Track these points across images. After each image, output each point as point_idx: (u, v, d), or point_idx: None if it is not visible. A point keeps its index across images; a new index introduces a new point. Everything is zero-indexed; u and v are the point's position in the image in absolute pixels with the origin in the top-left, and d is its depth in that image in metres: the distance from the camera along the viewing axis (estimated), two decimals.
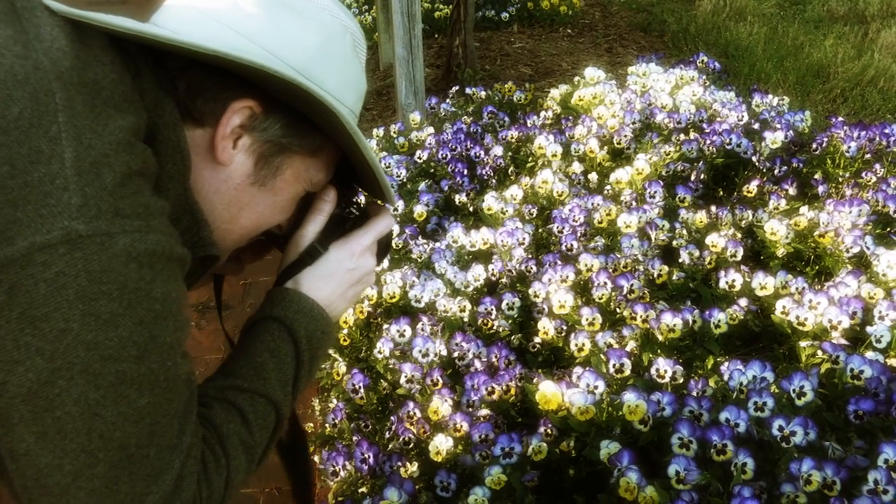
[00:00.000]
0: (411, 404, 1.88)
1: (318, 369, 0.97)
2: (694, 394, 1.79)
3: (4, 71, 0.63)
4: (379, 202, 1.02)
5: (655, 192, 2.53)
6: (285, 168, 0.86)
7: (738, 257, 2.28)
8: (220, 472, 0.78)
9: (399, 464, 1.79)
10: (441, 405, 1.83)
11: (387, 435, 1.92)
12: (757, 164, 2.76)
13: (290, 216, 0.93)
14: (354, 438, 1.94)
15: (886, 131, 2.80)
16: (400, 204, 2.64)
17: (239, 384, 0.84)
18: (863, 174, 2.64)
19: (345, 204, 0.97)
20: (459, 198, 2.76)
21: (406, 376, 1.95)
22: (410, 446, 1.83)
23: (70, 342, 0.63)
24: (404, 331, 2.06)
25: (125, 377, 0.67)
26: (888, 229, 2.39)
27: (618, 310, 2.10)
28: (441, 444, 1.75)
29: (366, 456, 1.79)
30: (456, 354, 2.00)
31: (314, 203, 0.94)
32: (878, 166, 2.68)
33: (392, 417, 1.92)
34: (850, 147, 2.73)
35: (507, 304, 2.15)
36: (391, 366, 2.03)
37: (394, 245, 2.49)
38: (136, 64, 0.74)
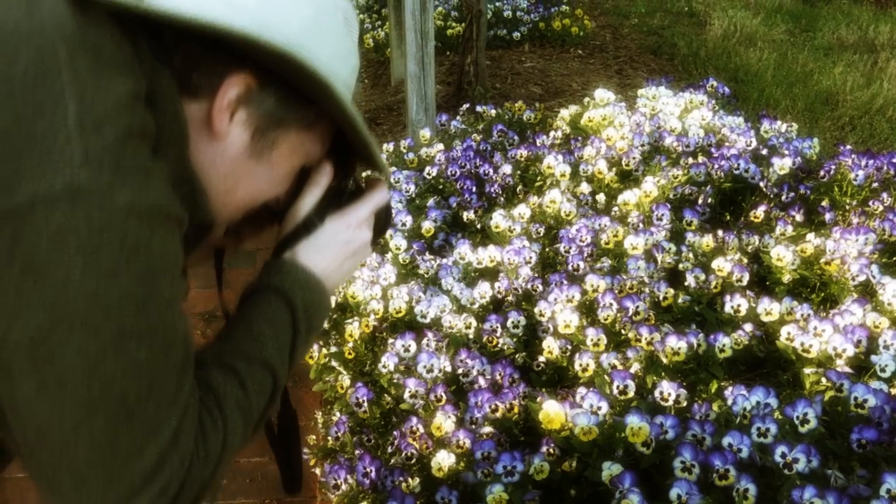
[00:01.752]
0: (414, 419, 1.88)
1: (313, 340, 0.97)
2: (697, 418, 1.80)
3: (10, 29, 0.64)
4: (375, 176, 1.02)
5: (662, 214, 2.54)
6: (281, 142, 0.86)
7: (744, 282, 2.29)
8: (217, 432, 0.78)
9: (401, 479, 1.79)
10: (444, 421, 1.83)
11: (389, 449, 1.93)
12: (764, 189, 2.78)
13: (288, 190, 0.93)
14: (357, 452, 1.94)
15: (894, 160, 2.81)
16: (408, 219, 2.66)
17: (237, 349, 0.85)
18: (870, 203, 2.65)
19: (342, 178, 0.97)
20: (467, 215, 2.78)
21: (410, 391, 1.95)
22: (412, 461, 1.83)
23: (71, 294, 0.64)
24: (409, 346, 2.07)
25: (125, 330, 0.67)
26: (894, 258, 2.40)
27: (623, 331, 2.10)
28: (443, 461, 1.76)
29: (368, 470, 1.80)
30: (460, 371, 2.01)
31: (311, 176, 0.95)
32: (885, 195, 2.68)
33: (395, 432, 1.93)
34: (857, 175, 2.75)
35: (513, 322, 2.16)
36: (395, 380, 2.04)
37: (401, 261, 2.50)
38: (133, 34, 0.74)
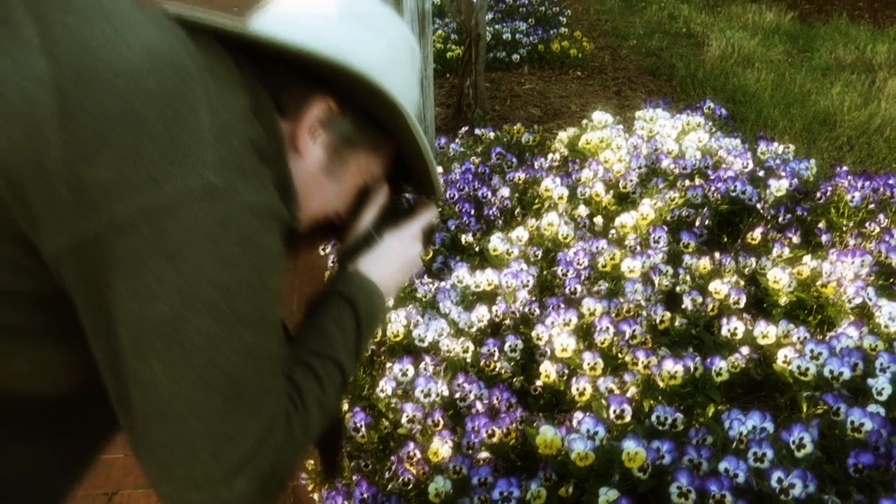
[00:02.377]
0: (412, 444, 1.88)
1: (371, 339, 1.12)
2: (694, 442, 1.80)
3: (156, 51, 0.74)
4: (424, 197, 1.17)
5: (660, 237, 2.56)
6: (351, 161, 0.97)
7: (741, 305, 2.30)
8: (300, 421, 0.86)
9: None
10: (441, 447, 1.83)
11: (386, 475, 1.92)
12: (761, 211, 2.79)
13: (349, 207, 1.05)
14: (354, 477, 1.94)
15: (891, 182, 2.82)
16: None
17: (312, 348, 0.95)
18: (866, 224, 2.66)
19: (396, 196, 1.10)
20: (466, 238, 2.79)
21: (407, 416, 1.96)
22: (409, 487, 1.83)
23: (202, 280, 0.72)
24: (407, 370, 2.08)
25: (241, 315, 0.75)
26: (891, 280, 2.40)
27: (619, 355, 2.11)
28: (440, 486, 1.76)
29: (365, 496, 1.80)
30: (458, 395, 2.01)
31: (370, 195, 1.06)
32: (882, 217, 2.70)
33: (392, 457, 1.93)
34: (854, 197, 2.76)
35: (510, 346, 2.17)
36: (393, 405, 2.04)
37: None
38: (236, 57, 0.86)
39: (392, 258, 1.08)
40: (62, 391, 0.86)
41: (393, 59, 0.95)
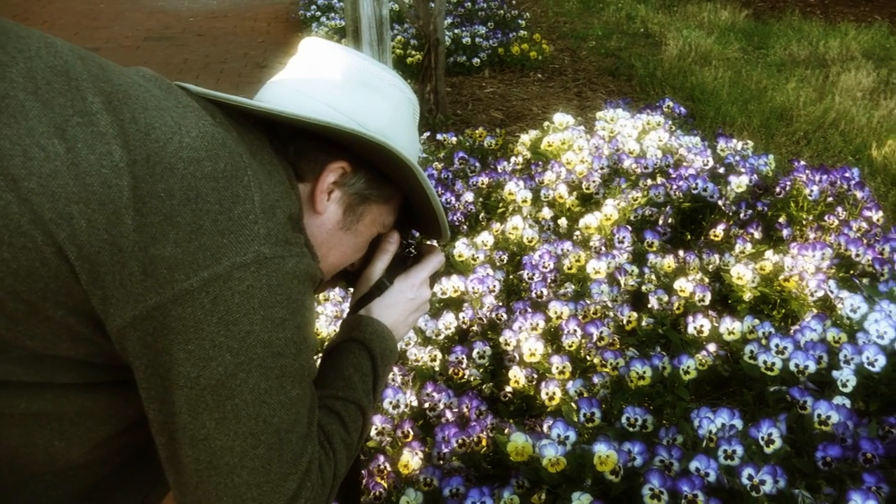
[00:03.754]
0: (381, 458, 1.85)
1: (387, 379, 1.19)
2: (664, 442, 1.79)
3: (210, 135, 0.83)
4: (430, 242, 1.25)
5: (624, 237, 2.56)
6: (366, 215, 1.04)
7: (706, 302, 2.31)
8: (330, 463, 0.92)
9: None
10: (411, 459, 1.81)
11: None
12: (723, 207, 2.81)
13: (362, 255, 1.12)
14: None
15: (847, 175, 2.86)
16: None
17: (334, 393, 1.01)
18: (825, 217, 2.70)
19: (405, 245, 1.16)
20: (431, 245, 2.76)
21: (377, 428, 1.92)
22: (381, 501, 1.80)
23: (252, 341, 0.79)
24: None
25: (286, 370, 0.83)
26: (851, 272, 2.44)
27: (588, 357, 2.10)
28: (411, 499, 1.73)
29: None
30: (427, 405, 1.98)
31: (381, 245, 1.13)
32: (840, 209, 2.73)
33: (363, 471, 1.89)
34: (812, 191, 2.80)
35: (478, 352, 2.15)
36: None
37: None
38: (259, 133, 0.94)
39: (403, 304, 1.13)
40: (108, 448, 0.91)
41: (398, 118, 1.02)
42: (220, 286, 0.77)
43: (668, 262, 2.47)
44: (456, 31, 5.61)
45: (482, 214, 2.94)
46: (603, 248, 2.55)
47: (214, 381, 0.77)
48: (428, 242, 1.25)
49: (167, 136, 0.80)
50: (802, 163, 3.02)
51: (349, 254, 1.07)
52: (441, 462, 1.83)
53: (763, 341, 2.09)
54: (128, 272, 0.75)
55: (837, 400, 1.86)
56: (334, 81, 0.99)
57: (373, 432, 1.92)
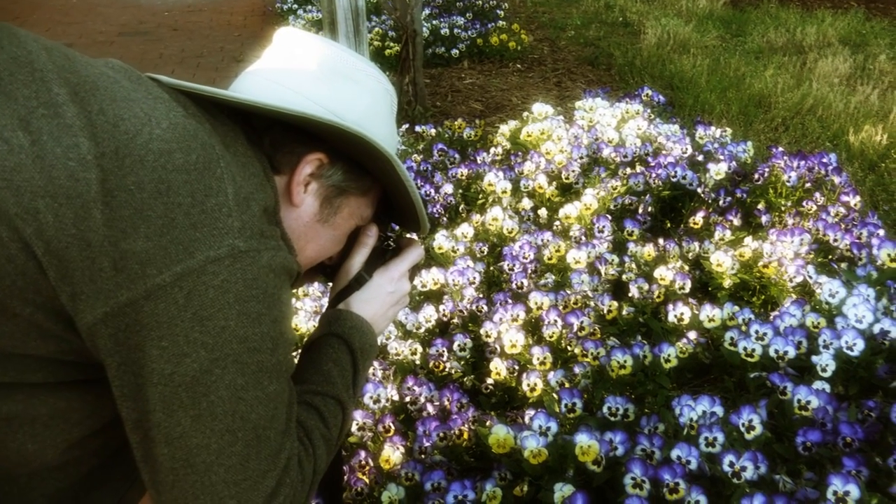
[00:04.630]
0: (363, 453, 1.84)
1: (367, 374, 1.17)
2: (646, 431, 1.79)
3: (181, 127, 0.81)
4: (409, 235, 1.23)
5: (604, 226, 2.55)
6: (343, 207, 1.02)
7: (687, 290, 2.31)
8: (310, 459, 0.91)
9: None
10: (392, 453, 1.79)
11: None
12: (702, 195, 2.81)
13: (340, 249, 1.10)
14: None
15: (825, 160, 2.87)
16: None
17: (313, 388, 0.99)
18: (804, 203, 2.71)
19: (383, 238, 1.14)
20: (410, 237, 2.74)
21: (358, 424, 1.91)
22: (363, 497, 1.78)
23: (227, 337, 0.77)
24: None
25: (263, 366, 0.81)
26: (829, 257, 2.44)
27: (569, 347, 2.09)
28: (393, 494, 1.71)
29: None
30: (408, 399, 1.97)
31: (359, 238, 1.11)
32: (818, 195, 2.74)
33: (344, 467, 1.87)
34: (790, 177, 2.80)
35: (459, 345, 2.13)
36: None
37: None
38: (234, 125, 0.92)
39: (382, 297, 1.12)
40: (81, 449, 0.88)
41: (376, 109, 1.01)
42: (194, 281, 0.75)
43: (648, 250, 2.47)
44: (434, 21, 5.57)
45: (462, 206, 2.92)
46: (583, 238, 2.54)
47: (189, 378, 0.76)
48: (407, 236, 1.22)
49: (137, 128, 0.78)
50: (781, 149, 3.02)
51: (327, 246, 1.05)
52: (423, 456, 1.81)
53: (743, 328, 2.09)
54: (98, 267, 0.73)
55: (817, 385, 1.86)
56: (310, 72, 0.97)
57: (354, 427, 1.91)
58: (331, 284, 1.17)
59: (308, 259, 1.04)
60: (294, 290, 1.02)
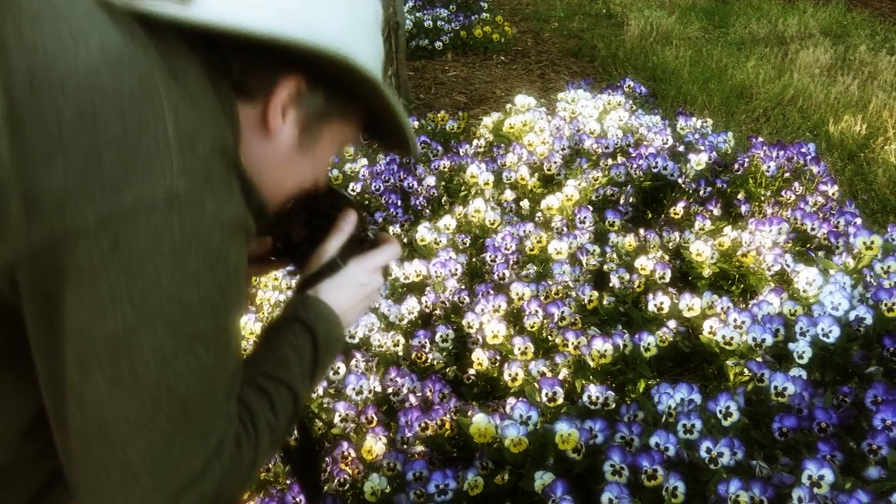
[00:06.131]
0: (346, 444, 1.85)
1: (328, 369, 1.07)
2: (625, 419, 1.81)
3: (116, 51, 0.70)
4: (388, 233, 1.17)
5: (585, 217, 2.57)
6: (325, 134, 0.92)
7: (667, 279, 2.33)
8: (250, 446, 0.82)
9: None
10: (375, 444, 1.80)
11: (322, 476, 1.88)
12: (683, 185, 2.83)
13: (307, 231, 1.04)
14: (288, 482, 1.90)
15: (803, 150, 2.90)
16: None
17: (267, 372, 0.91)
18: (782, 193, 2.73)
19: (362, 228, 1.09)
20: (393, 229, 2.75)
21: (340, 415, 1.92)
22: (345, 488, 1.80)
23: (158, 294, 0.68)
24: (338, 368, 2.04)
25: (198, 332, 0.72)
26: (807, 246, 2.47)
27: (550, 337, 2.11)
28: (376, 484, 1.72)
29: (297, 500, 1.75)
30: (390, 390, 1.98)
31: (336, 223, 1.05)
32: (796, 185, 2.77)
33: (327, 458, 1.89)
34: (769, 167, 2.83)
35: (441, 336, 2.14)
36: (325, 405, 2.00)
37: None
38: (194, 49, 0.80)
39: (354, 288, 1.04)
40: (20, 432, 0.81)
41: (354, 23, 0.89)
42: (123, 226, 0.66)
43: (630, 240, 2.49)
44: (417, 14, 5.56)
45: (444, 198, 2.93)
46: (564, 229, 2.56)
47: (110, 336, 0.67)
48: (385, 233, 1.17)
49: (60, 51, 0.68)
50: (761, 139, 3.05)
51: (308, 176, 0.96)
52: (405, 446, 1.83)
53: (722, 316, 2.11)
54: (6, 203, 0.65)
55: (794, 371, 1.89)
56: None
57: (336, 419, 1.92)
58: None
59: (287, 192, 0.96)
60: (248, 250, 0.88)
